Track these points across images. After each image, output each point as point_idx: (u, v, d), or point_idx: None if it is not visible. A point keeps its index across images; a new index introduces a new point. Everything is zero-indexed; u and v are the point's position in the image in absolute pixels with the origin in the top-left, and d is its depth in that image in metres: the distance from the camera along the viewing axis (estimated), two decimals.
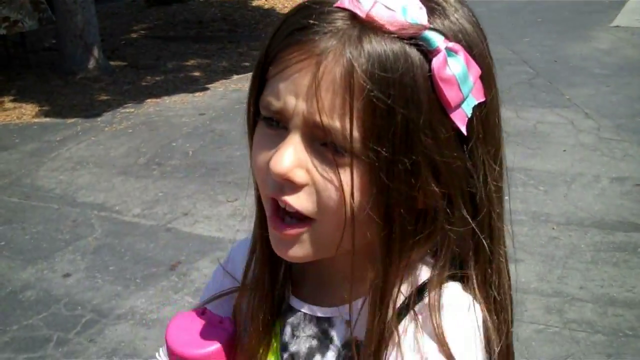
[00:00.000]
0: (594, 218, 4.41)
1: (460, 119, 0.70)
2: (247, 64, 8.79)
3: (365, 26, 0.68)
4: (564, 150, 5.46)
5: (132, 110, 7.28)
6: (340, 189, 0.70)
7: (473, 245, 0.78)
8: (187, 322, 0.95)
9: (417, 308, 0.77)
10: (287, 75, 0.70)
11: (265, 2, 12.20)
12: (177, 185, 5.31)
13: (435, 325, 0.74)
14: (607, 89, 6.94)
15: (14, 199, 5.21)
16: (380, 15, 0.67)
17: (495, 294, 0.81)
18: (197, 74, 8.58)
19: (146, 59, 9.31)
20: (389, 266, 0.74)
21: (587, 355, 3.19)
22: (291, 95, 0.70)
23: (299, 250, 0.77)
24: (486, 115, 0.74)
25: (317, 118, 0.68)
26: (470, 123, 0.71)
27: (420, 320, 0.76)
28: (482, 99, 0.72)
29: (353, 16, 0.68)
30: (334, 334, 0.84)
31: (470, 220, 0.75)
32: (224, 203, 4.94)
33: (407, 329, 0.75)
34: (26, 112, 7.34)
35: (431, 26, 0.68)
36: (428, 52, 0.67)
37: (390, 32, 0.67)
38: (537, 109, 6.36)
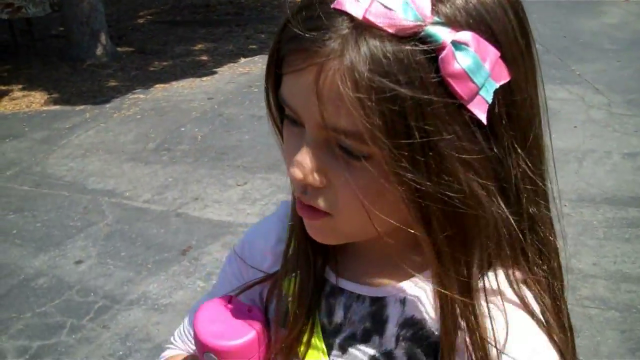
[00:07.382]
0: (606, 194, 4.37)
1: (480, 108, 0.64)
2: (254, 46, 8.76)
3: (363, 30, 0.62)
4: (575, 127, 5.41)
5: (141, 95, 7.27)
6: (353, 190, 0.68)
7: (513, 235, 0.74)
8: (214, 313, 0.89)
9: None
10: (292, 81, 0.68)
11: None
12: (186, 170, 5.31)
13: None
14: (617, 64, 6.86)
15: (25, 187, 5.23)
16: (378, 15, 0.62)
17: (545, 289, 0.80)
18: (204, 58, 8.55)
19: (153, 44, 9.28)
20: (445, 277, 0.71)
21: (601, 331, 3.18)
22: (298, 101, 0.68)
23: (325, 236, 0.78)
24: (511, 95, 0.68)
25: (326, 124, 0.66)
26: (492, 109, 0.66)
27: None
28: (507, 79, 0.67)
29: (351, 18, 0.63)
30: (388, 314, 0.82)
31: (505, 210, 0.71)
32: (233, 187, 4.94)
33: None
34: (35, 100, 7.36)
35: (433, 19, 0.62)
36: (434, 49, 0.62)
37: (390, 34, 0.61)
38: (547, 86, 6.08)
